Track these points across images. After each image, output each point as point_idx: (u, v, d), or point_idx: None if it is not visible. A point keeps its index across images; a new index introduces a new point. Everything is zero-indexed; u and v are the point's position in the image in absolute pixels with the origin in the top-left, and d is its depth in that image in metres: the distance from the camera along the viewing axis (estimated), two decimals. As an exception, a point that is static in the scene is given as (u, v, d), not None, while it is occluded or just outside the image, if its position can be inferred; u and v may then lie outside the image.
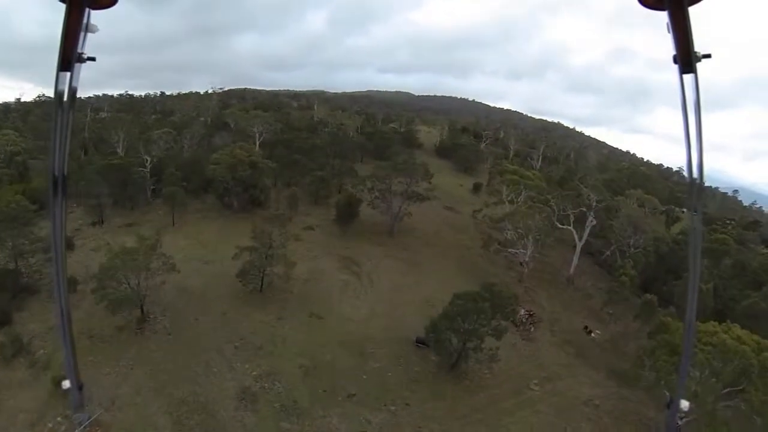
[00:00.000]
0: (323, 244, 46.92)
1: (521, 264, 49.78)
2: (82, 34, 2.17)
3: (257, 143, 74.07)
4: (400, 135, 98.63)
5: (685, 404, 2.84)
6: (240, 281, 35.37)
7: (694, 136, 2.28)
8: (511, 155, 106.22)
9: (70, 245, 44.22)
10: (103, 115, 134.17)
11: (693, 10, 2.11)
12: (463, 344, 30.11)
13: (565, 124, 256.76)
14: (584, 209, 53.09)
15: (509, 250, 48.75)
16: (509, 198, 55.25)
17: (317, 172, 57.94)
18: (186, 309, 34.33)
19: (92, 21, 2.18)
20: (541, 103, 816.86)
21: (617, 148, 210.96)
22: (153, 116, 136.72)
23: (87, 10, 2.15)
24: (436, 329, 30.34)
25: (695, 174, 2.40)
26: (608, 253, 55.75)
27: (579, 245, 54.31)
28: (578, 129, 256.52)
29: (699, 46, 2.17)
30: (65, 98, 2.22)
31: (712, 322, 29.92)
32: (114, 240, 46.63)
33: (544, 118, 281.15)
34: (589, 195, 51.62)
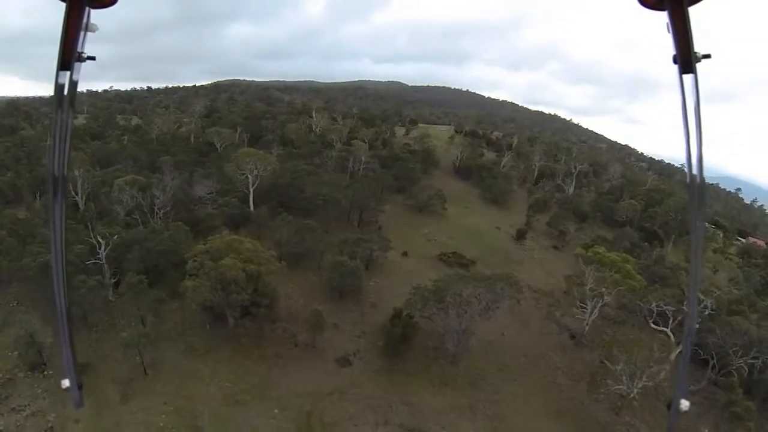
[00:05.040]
0: (372, 400, 29.90)
1: (622, 396, 34.28)
2: (81, 33, 1.97)
3: (251, 192, 55.20)
4: (417, 155, 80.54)
5: (685, 404, 2.37)
6: None
7: (694, 136, 2.01)
8: (535, 174, 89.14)
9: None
10: (82, 120, 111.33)
11: (693, 10, 1.94)
12: None
13: (562, 116, 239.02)
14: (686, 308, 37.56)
15: (617, 387, 32.89)
16: (594, 290, 38.81)
17: (340, 257, 39.93)
18: None
19: (92, 20, 1.99)
20: (538, 93, 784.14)
21: (615, 142, 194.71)
22: (132, 122, 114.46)
23: (87, 9, 1.96)
24: None
25: (695, 174, 2.09)
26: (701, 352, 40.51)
27: (675, 353, 38.98)
28: (575, 121, 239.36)
29: (699, 46, 1.96)
30: (65, 97, 2.01)
31: None
32: (60, 416, 28.77)
33: (541, 109, 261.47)
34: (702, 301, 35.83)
